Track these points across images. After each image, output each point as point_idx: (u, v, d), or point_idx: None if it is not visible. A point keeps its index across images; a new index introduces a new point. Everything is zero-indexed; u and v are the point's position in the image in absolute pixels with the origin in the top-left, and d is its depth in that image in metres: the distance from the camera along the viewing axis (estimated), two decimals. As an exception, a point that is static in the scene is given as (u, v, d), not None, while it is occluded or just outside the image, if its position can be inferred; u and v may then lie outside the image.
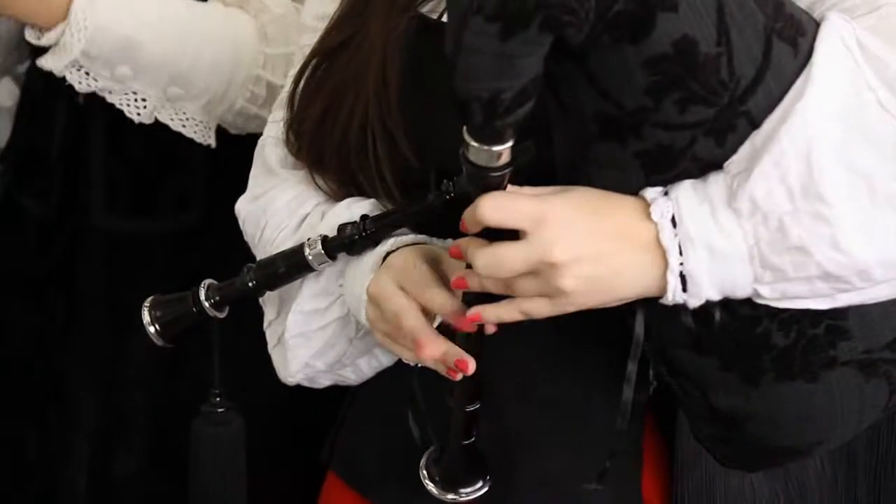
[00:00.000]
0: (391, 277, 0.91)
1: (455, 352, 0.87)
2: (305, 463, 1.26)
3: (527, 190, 0.83)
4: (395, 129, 0.99)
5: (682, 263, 0.78)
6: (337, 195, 1.06)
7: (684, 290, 0.79)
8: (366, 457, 1.13)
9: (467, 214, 0.83)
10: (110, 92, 1.29)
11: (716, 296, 0.80)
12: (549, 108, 0.83)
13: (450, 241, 0.94)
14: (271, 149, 1.13)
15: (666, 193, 0.80)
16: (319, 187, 1.07)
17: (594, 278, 0.80)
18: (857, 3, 0.86)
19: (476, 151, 0.76)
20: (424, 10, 1.03)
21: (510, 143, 0.76)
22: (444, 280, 0.91)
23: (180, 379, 1.42)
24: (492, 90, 0.72)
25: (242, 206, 1.14)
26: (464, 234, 0.86)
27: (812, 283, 0.79)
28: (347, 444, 1.18)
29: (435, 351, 0.88)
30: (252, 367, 1.12)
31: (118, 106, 1.31)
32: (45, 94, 1.42)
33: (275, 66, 1.33)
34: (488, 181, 0.79)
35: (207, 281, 1.00)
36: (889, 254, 0.80)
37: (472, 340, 0.88)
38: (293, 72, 1.13)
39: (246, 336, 1.13)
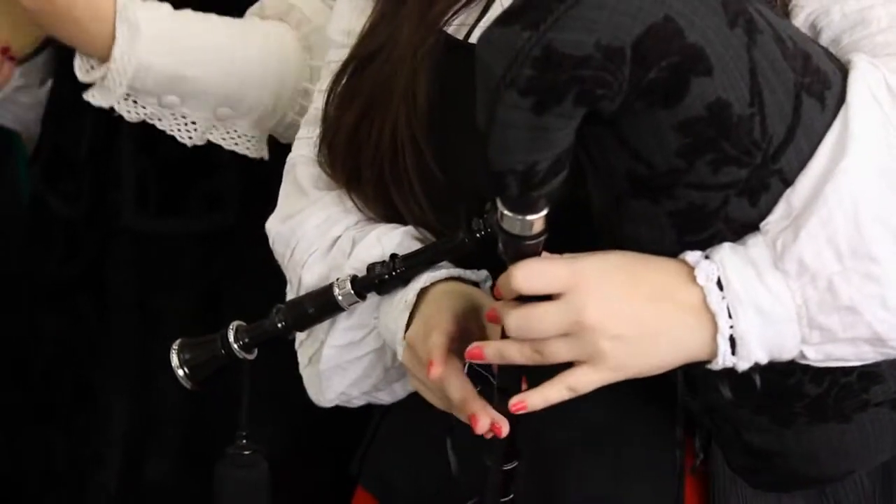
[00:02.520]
0: (428, 321, 0.94)
1: (490, 414, 0.88)
2: (335, 474, 1.28)
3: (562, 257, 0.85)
4: (422, 142, 1.01)
5: (731, 326, 0.79)
6: (371, 215, 1.07)
7: (733, 353, 0.80)
8: (398, 474, 1.14)
9: (501, 283, 0.84)
10: (160, 119, 1.31)
11: (764, 358, 0.80)
12: (582, 164, 0.83)
13: (483, 272, 0.97)
14: (303, 168, 1.13)
15: (707, 257, 0.80)
16: (353, 207, 1.08)
17: (632, 340, 0.80)
18: (885, 42, 0.86)
19: (510, 221, 0.77)
20: (453, 25, 1.04)
21: (544, 212, 0.77)
22: (479, 326, 0.92)
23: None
24: (527, 163, 0.74)
25: (272, 226, 1.15)
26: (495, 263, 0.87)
27: (858, 346, 0.80)
28: (379, 460, 1.19)
29: (469, 411, 0.88)
30: (283, 377, 1.12)
31: (168, 131, 1.32)
32: (74, 95, 1.40)
33: (321, 78, 1.35)
34: (523, 250, 0.80)
35: (236, 323, 1.01)
36: None
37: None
38: (322, 85, 1.13)
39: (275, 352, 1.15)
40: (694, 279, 0.79)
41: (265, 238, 1.17)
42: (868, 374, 0.85)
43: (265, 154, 1.36)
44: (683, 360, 0.83)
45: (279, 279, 1.17)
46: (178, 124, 1.33)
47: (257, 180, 1.37)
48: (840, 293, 0.77)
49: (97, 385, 1.46)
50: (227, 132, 1.35)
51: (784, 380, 0.84)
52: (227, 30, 1.34)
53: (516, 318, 0.81)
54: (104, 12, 1.27)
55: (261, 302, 1.12)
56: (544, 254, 0.83)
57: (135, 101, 1.30)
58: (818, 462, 0.91)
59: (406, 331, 0.97)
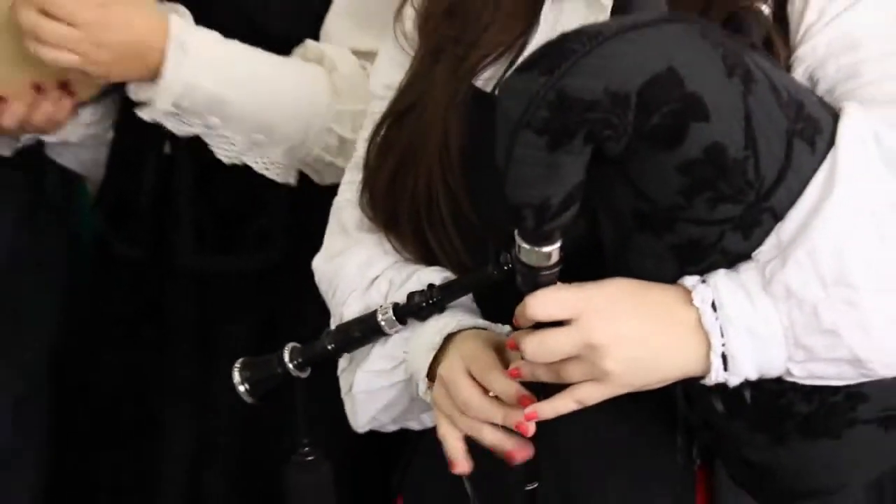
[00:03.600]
0: (461, 362, 0.97)
1: (511, 441, 0.92)
2: (379, 485, 1.30)
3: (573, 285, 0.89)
4: (457, 190, 1.06)
5: (723, 344, 0.83)
6: (408, 256, 1.12)
7: (725, 369, 0.84)
8: (433, 491, 1.16)
9: (518, 312, 0.89)
10: (200, 134, 1.36)
11: (753, 374, 0.85)
12: (592, 203, 0.88)
13: (507, 327, 1.00)
14: (347, 211, 1.19)
15: (703, 281, 0.85)
16: (391, 249, 1.13)
17: (636, 359, 0.85)
18: (875, 94, 0.90)
19: (528, 253, 0.84)
20: (481, 80, 1.08)
21: (558, 244, 0.83)
22: (506, 365, 0.95)
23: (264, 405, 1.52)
24: (542, 197, 0.79)
25: (318, 265, 1.20)
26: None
27: (839, 366, 0.84)
28: (417, 474, 1.21)
29: (494, 440, 0.93)
30: (330, 395, 1.15)
31: (210, 147, 1.37)
32: (136, 143, 1.47)
33: (345, 121, 1.38)
34: (539, 280, 0.86)
35: (291, 344, 1.06)
36: None
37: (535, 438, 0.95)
38: (365, 134, 1.18)
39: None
40: (691, 301, 0.84)
41: (311, 272, 1.22)
42: (854, 394, 0.88)
43: (292, 181, 1.40)
44: (681, 375, 0.87)
45: (325, 309, 1.20)
46: (220, 142, 1.37)
47: (301, 221, 1.41)
48: (823, 317, 0.81)
49: (159, 409, 1.50)
50: (261, 157, 1.39)
51: (776, 399, 0.88)
52: (268, 62, 1.39)
53: (532, 344, 0.86)
54: (159, 41, 1.31)
55: (309, 330, 1.17)
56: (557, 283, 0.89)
57: (179, 119, 1.34)
58: (813, 477, 0.94)
59: (429, 370, 1.01)
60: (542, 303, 0.86)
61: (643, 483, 1.04)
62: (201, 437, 1.51)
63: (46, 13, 1.25)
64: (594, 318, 0.85)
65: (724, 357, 0.84)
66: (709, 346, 0.84)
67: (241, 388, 1.06)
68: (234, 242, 1.48)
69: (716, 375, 0.84)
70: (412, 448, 1.22)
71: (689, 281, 0.86)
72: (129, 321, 1.54)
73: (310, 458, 1.08)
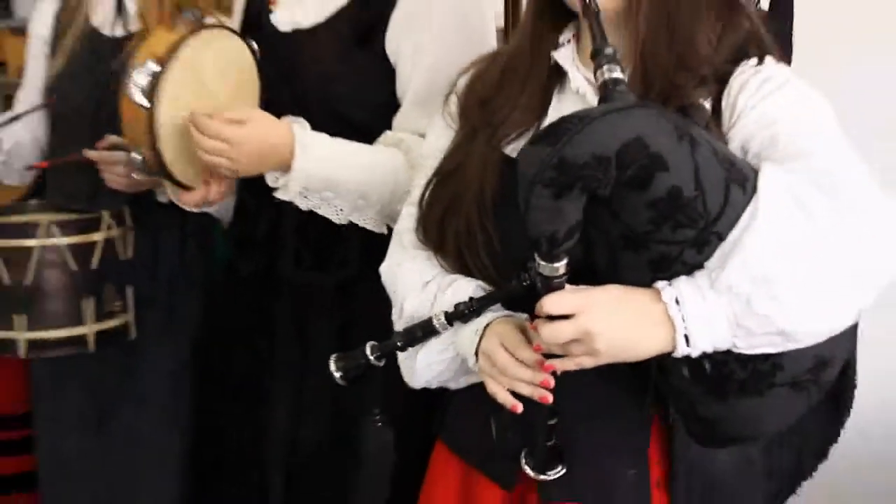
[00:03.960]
0: (497, 339, 1.10)
1: (539, 391, 1.07)
2: (424, 430, 1.38)
3: (577, 288, 1.00)
4: (490, 229, 1.16)
5: (686, 328, 0.96)
6: (450, 270, 1.23)
7: (688, 345, 0.96)
8: (468, 432, 1.27)
9: (538, 308, 0.99)
10: (319, 207, 1.49)
11: (709, 348, 0.96)
12: (589, 235, 0.99)
13: (524, 315, 1.12)
14: (405, 236, 1.28)
15: (669, 284, 0.97)
16: (437, 265, 1.24)
17: (619, 340, 0.98)
18: (786, 154, 1.03)
19: (544, 268, 0.97)
20: (508, 148, 1.18)
21: (566, 261, 0.95)
22: (527, 341, 1.08)
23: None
24: (552, 231, 0.93)
25: (384, 270, 1.31)
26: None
27: (771, 338, 0.96)
28: (452, 419, 1.31)
29: (527, 391, 1.07)
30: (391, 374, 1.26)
31: (324, 214, 1.51)
32: (254, 201, 1.64)
33: (419, 175, 1.38)
34: (552, 286, 0.99)
35: (370, 343, 1.16)
36: (831, 325, 0.99)
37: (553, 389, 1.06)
38: (419, 182, 1.28)
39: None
40: (661, 299, 0.96)
41: (377, 286, 1.34)
42: (776, 364, 0.99)
43: (384, 230, 1.50)
44: (655, 352, 0.98)
45: (384, 311, 1.32)
46: (333, 210, 1.51)
47: (369, 248, 1.52)
48: (754, 305, 0.93)
49: (269, 381, 1.65)
50: (361, 217, 1.52)
51: (722, 368, 0.99)
52: (363, 151, 1.50)
53: (547, 330, 0.99)
54: (287, 145, 1.45)
55: (375, 326, 1.32)
56: (567, 286, 0.99)
57: (305, 196, 1.48)
58: (742, 427, 1.06)
59: (477, 350, 1.14)
60: (554, 302, 0.98)
61: (613, 425, 1.17)
62: (296, 401, 1.63)
63: (205, 133, 1.40)
64: (590, 313, 0.97)
65: (686, 337, 0.96)
66: (674, 329, 0.96)
67: (336, 375, 1.16)
68: (322, 263, 1.60)
69: (681, 350, 0.96)
70: (448, 401, 1.31)
71: (659, 284, 0.96)
72: (248, 319, 1.68)
73: (378, 423, 1.18)
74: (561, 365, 1.03)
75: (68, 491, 1.96)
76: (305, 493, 1.63)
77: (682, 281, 0.97)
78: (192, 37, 1.46)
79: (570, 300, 0.99)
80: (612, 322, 0.98)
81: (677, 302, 0.96)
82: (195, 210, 1.60)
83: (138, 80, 1.41)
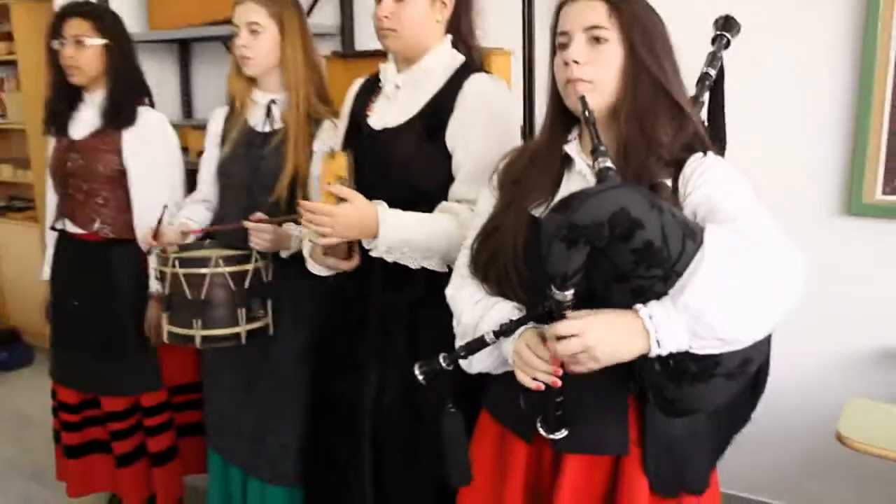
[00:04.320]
0: (524, 343, 1.08)
1: (552, 378, 1.06)
2: (474, 402, 1.32)
3: (581, 312, 0.98)
4: (522, 271, 1.14)
5: (657, 337, 0.95)
6: (493, 294, 1.20)
7: (658, 347, 0.96)
8: (502, 402, 1.24)
9: (549, 332, 1.00)
10: (400, 259, 1.47)
11: (673, 349, 0.96)
12: (590, 272, 0.98)
13: (545, 326, 1.06)
14: (462, 268, 1.26)
15: (645, 306, 0.96)
16: (483, 290, 1.22)
17: (612, 350, 0.97)
18: (725, 219, 1.02)
19: (558, 296, 0.97)
20: (537, 212, 1.16)
21: (573, 291, 0.96)
22: (545, 344, 1.05)
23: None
24: (564, 271, 0.94)
25: (448, 293, 1.27)
26: None
27: (715, 343, 0.96)
28: (494, 395, 1.28)
29: (543, 378, 1.07)
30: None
31: (404, 263, 1.48)
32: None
33: (472, 228, 1.33)
34: (563, 308, 0.99)
35: (442, 354, 1.13)
36: (754, 333, 0.98)
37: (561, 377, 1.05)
38: (472, 233, 1.26)
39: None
40: (639, 316, 0.96)
41: (437, 303, 1.31)
42: (716, 361, 0.99)
43: (445, 269, 1.46)
44: (637, 353, 0.97)
45: (440, 323, 1.30)
46: (409, 260, 1.48)
47: (432, 278, 1.49)
48: (703, 318, 0.93)
49: (363, 370, 1.61)
50: (429, 263, 1.48)
51: (680, 363, 0.99)
52: (428, 218, 1.46)
53: (560, 347, 0.98)
54: (374, 220, 1.42)
55: (436, 331, 1.33)
56: (572, 312, 0.98)
57: (389, 253, 1.45)
58: (693, 403, 1.05)
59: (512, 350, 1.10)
60: (563, 327, 0.97)
61: (604, 401, 1.14)
62: (380, 379, 1.59)
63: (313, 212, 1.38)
64: (591, 333, 0.96)
65: (657, 342, 0.95)
66: (648, 337, 0.96)
67: (420, 377, 1.13)
68: (399, 287, 1.54)
69: (653, 351, 0.96)
70: (492, 382, 1.27)
71: (637, 306, 0.96)
72: (347, 325, 1.64)
73: (453, 410, 1.16)
74: (576, 369, 1.02)
75: (224, 433, 1.97)
76: (386, 439, 1.60)
77: (653, 303, 0.96)
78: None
79: (574, 325, 0.98)
80: (606, 338, 0.97)
81: (650, 318, 0.96)
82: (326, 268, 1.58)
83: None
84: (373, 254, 1.44)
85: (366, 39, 2.73)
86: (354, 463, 1.58)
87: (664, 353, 0.96)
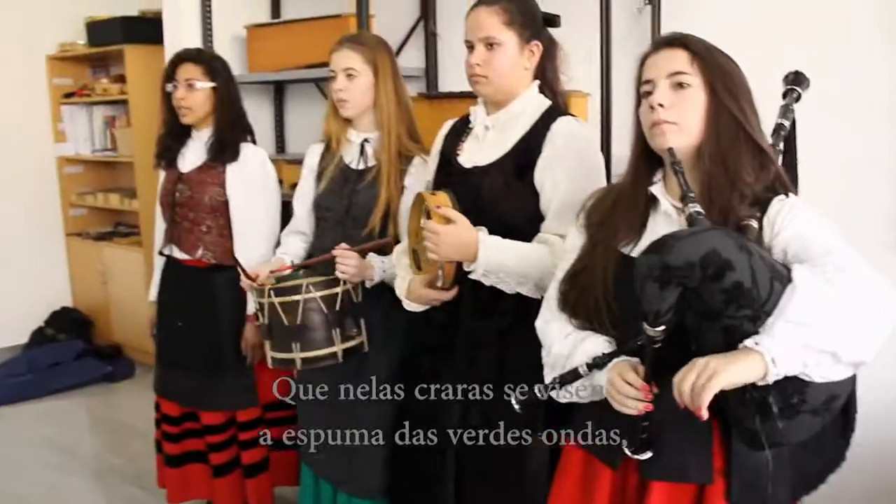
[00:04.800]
0: (617, 372, 1.10)
1: (642, 405, 1.07)
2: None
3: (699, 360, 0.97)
4: (613, 306, 1.16)
5: (772, 356, 0.95)
6: (580, 328, 1.22)
7: (774, 366, 0.95)
8: (590, 428, 1.24)
9: (678, 379, 0.97)
10: (496, 283, 1.48)
11: (790, 369, 0.95)
12: (682, 309, 0.99)
13: (636, 359, 1.11)
14: (552, 301, 1.28)
15: (757, 343, 0.96)
16: (572, 324, 1.23)
17: (725, 379, 0.96)
18: (815, 261, 1.02)
19: (650, 331, 1.00)
20: (625, 250, 1.19)
21: (664, 327, 0.98)
22: (636, 374, 1.07)
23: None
24: (657, 309, 0.97)
25: (538, 325, 1.29)
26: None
27: (827, 358, 0.95)
28: (580, 416, 1.27)
29: (633, 405, 1.08)
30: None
31: (500, 288, 1.49)
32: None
33: (560, 268, 1.34)
34: (655, 344, 1.01)
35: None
36: (865, 354, 0.97)
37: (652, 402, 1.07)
38: (564, 265, 1.29)
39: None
40: (755, 349, 0.95)
41: (525, 331, 1.34)
42: (801, 398, 0.99)
43: (538, 296, 1.42)
44: (746, 381, 0.96)
45: (531, 349, 1.30)
46: (505, 285, 1.49)
47: (521, 306, 1.51)
48: (809, 330, 0.95)
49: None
50: (524, 289, 1.49)
51: (765, 398, 0.99)
52: (524, 247, 1.49)
53: (684, 384, 0.98)
54: (474, 243, 1.45)
55: (523, 358, 1.36)
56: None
57: (486, 276, 1.48)
58: (777, 437, 1.04)
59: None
60: (687, 382, 0.97)
61: (689, 429, 1.12)
62: (464, 400, 1.60)
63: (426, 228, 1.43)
64: (712, 372, 0.97)
65: (773, 360, 0.95)
66: (765, 366, 0.95)
67: (516, 405, 1.17)
68: (488, 314, 1.57)
69: (768, 378, 0.96)
70: (578, 410, 1.27)
71: (748, 342, 0.96)
72: (436, 348, 1.67)
73: (540, 436, 1.19)
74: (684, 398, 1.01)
75: (315, 447, 1.99)
76: (469, 459, 1.62)
77: (759, 336, 0.97)
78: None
79: (703, 362, 0.99)
80: (723, 366, 0.98)
81: (756, 344, 0.98)
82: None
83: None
84: (471, 276, 1.48)
85: (449, 81, 2.82)
86: (440, 478, 1.61)
87: (781, 373, 0.96)
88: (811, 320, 0.92)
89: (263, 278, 1.82)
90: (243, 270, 1.85)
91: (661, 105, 1.11)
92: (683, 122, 1.11)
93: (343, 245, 1.75)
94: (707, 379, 0.94)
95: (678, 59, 1.12)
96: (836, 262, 0.98)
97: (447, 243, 1.44)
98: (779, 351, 0.93)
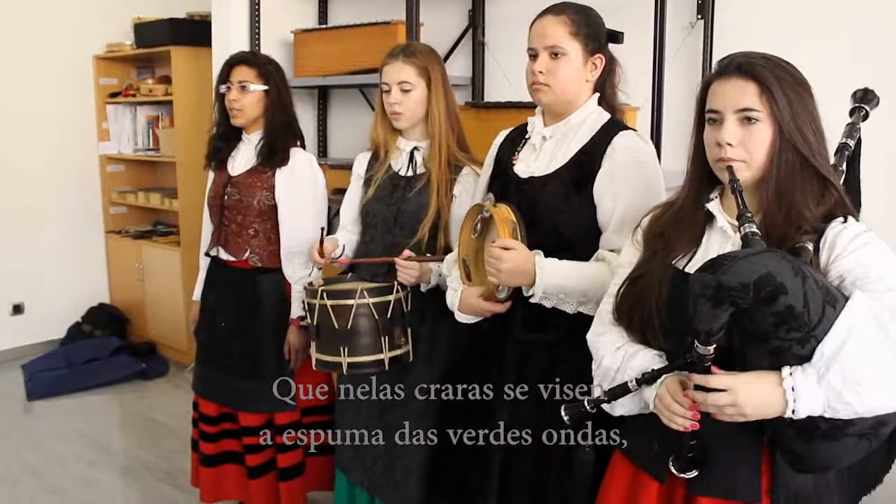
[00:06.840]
0: (666, 389, 1.13)
1: (690, 423, 1.10)
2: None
3: (726, 373, 1.04)
4: (664, 318, 1.18)
5: (795, 406, 1.00)
6: (634, 341, 1.24)
7: (793, 411, 1.01)
8: (638, 442, 1.28)
9: (690, 380, 1.04)
10: (558, 304, 1.50)
11: (805, 414, 1.00)
12: (731, 329, 1.02)
13: (685, 373, 1.12)
14: (605, 315, 1.29)
15: (790, 374, 1.00)
16: (626, 337, 1.25)
17: (755, 408, 1.02)
18: (874, 290, 1.04)
19: (701, 349, 1.02)
20: (680, 264, 1.21)
21: (715, 346, 1.01)
22: (685, 388, 1.10)
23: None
24: (709, 328, 0.99)
25: (589, 337, 1.31)
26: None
27: (847, 413, 1.00)
28: (629, 429, 1.30)
29: (681, 422, 1.11)
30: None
31: (562, 308, 1.51)
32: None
33: (614, 280, 1.37)
34: (705, 362, 1.04)
35: (587, 398, 1.19)
36: (891, 408, 0.99)
37: (699, 420, 1.10)
38: (617, 280, 1.30)
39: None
40: (782, 385, 1.01)
41: (576, 345, 1.35)
42: (848, 422, 1.02)
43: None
44: (772, 414, 1.03)
45: (580, 363, 1.32)
46: (566, 305, 1.51)
47: (574, 320, 1.50)
48: (843, 397, 0.98)
49: (493, 403, 1.64)
50: (586, 308, 1.50)
51: (811, 421, 1.02)
52: (581, 266, 1.50)
53: (711, 398, 1.03)
54: (531, 267, 1.47)
55: (572, 372, 1.40)
56: (718, 370, 1.03)
57: (546, 299, 1.50)
58: (822, 460, 1.07)
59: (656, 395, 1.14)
60: (715, 380, 1.03)
61: (736, 448, 1.15)
62: (511, 413, 1.61)
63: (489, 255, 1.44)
64: (740, 393, 1.02)
65: (793, 411, 1.01)
66: (786, 402, 1.01)
67: (566, 419, 1.19)
68: (540, 328, 1.58)
69: (787, 415, 1.01)
70: (626, 424, 1.30)
71: (785, 374, 1.00)
72: (484, 359, 1.69)
73: (588, 449, 1.25)
74: (721, 419, 1.07)
75: (353, 454, 2.04)
76: (513, 473, 1.62)
77: (798, 374, 1.00)
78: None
79: (725, 381, 1.03)
80: (752, 395, 1.03)
81: (792, 389, 1.01)
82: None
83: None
84: (532, 300, 1.50)
85: (495, 91, 2.86)
86: (483, 491, 1.64)
87: (796, 417, 1.00)
88: (848, 386, 0.95)
89: (330, 249, 1.90)
90: (321, 242, 1.89)
91: (729, 144, 1.13)
92: (751, 158, 1.13)
93: (407, 252, 1.80)
94: (736, 413, 1.01)
95: (748, 94, 1.12)
96: (894, 300, 0.99)
97: (508, 271, 1.46)
98: (804, 404, 0.98)
